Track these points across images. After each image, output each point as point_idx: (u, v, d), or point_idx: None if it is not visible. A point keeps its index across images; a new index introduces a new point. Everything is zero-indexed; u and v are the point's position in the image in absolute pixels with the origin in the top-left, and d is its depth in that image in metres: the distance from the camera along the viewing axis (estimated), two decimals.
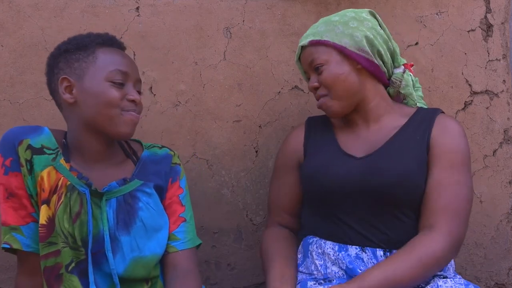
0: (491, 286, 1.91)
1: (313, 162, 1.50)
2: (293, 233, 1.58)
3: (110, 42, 1.33)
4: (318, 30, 1.48)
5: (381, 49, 1.47)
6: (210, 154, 1.77)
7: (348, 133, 1.53)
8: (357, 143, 1.49)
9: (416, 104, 1.56)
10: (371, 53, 1.46)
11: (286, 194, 1.58)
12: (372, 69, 1.47)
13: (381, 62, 1.49)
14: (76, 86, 1.26)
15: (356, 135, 1.51)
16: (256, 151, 1.80)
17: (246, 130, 1.79)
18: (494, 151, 1.91)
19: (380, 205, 1.40)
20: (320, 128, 1.58)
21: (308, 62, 1.48)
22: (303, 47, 1.50)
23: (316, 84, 1.47)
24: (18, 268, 1.28)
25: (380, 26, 1.52)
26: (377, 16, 1.53)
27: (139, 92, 1.34)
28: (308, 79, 1.55)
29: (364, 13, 1.50)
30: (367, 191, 1.39)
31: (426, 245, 1.31)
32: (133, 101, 1.29)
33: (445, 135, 1.42)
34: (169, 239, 1.36)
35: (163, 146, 1.44)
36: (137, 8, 1.74)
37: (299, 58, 1.54)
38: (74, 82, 1.26)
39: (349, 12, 1.49)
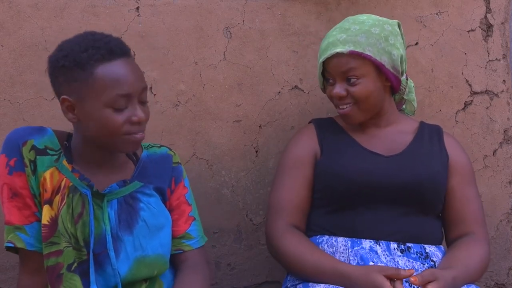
0: (491, 286, 1.91)
1: (337, 160, 1.49)
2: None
3: (111, 54, 1.21)
4: (358, 40, 1.43)
5: (405, 66, 1.51)
6: (210, 154, 1.77)
7: (365, 134, 1.55)
8: (379, 143, 1.52)
9: (415, 109, 1.64)
10: (400, 71, 1.49)
11: (302, 189, 1.51)
12: (397, 86, 1.51)
13: (403, 78, 1.53)
14: (77, 106, 1.21)
15: (374, 135, 1.54)
16: (256, 151, 1.80)
17: (246, 130, 1.79)
18: (494, 151, 1.91)
19: (404, 201, 1.45)
20: (330, 129, 1.58)
21: (342, 70, 1.45)
22: (338, 53, 1.44)
23: (343, 93, 1.46)
24: (20, 267, 1.27)
25: (402, 37, 1.53)
26: (401, 27, 1.53)
27: (144, 102, 1.26)
28: (324, 80, 1.54)
29: (396, 25, 1.51)
30: (396, 187, 1.43)
31: (480, 249, 1.44)
32: (137, 122, 1.23)
33: (457, 151, 1.55)
34: (183, 238, 1.37)
35: (161, 146, 1.44)
36: (137, 8, 1.74)
37: (322, 62, 1.49)
38: (75, 102, 1.21)
39: (386, 25, 1.47)
